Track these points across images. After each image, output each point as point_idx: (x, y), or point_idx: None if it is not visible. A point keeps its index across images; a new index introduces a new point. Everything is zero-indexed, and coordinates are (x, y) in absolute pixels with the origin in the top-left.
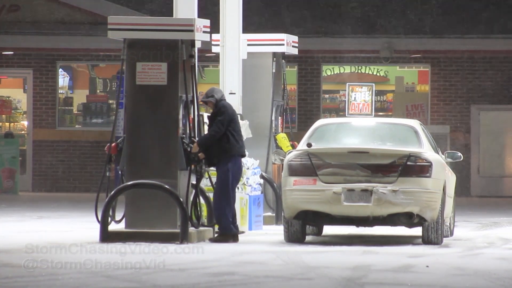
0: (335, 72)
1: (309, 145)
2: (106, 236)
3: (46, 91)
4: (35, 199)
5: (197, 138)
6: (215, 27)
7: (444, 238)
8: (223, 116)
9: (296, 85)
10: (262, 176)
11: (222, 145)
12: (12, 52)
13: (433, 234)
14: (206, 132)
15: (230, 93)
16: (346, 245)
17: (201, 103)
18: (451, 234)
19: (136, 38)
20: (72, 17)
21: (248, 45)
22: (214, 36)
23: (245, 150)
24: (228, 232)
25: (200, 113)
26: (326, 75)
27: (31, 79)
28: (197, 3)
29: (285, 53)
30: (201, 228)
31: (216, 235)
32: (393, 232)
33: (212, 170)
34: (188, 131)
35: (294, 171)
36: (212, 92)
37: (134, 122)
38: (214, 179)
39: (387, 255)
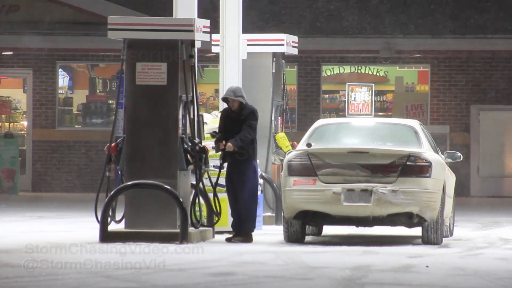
0: (335, 72)
1: (308, 145)
2: (106, 236)
3: (46, 91)
4: (35, 199)
5: (197, 139)
6: (215, 27)
7: (444, 238)
8: (256, 121)
9: (296, 85)
10: (261, 176)
11: (250, 149)
12: (12, 52)
13: (433, 234)
14: (205, 132)
15: None
16: (346, 245)
17: (204, 102)
18: (451, 234)
19: (136, 38)
20: (72, 17)
21: (248, 45)
22: (214, 36)
23: None
24: (251, 232)
25: (200, 113)
26: (326, 75)
27: (31, 79)
28: (197, 3)
29: (285, 53)
30: (201, 228)
31: (231, 235)
32: (393, 232)
33: (212, 170)
34: (188, 131)
35: (294, 171)
36: (241, 92)
37: (134, 122)
38: (214, 179)
39: (387, 255)
